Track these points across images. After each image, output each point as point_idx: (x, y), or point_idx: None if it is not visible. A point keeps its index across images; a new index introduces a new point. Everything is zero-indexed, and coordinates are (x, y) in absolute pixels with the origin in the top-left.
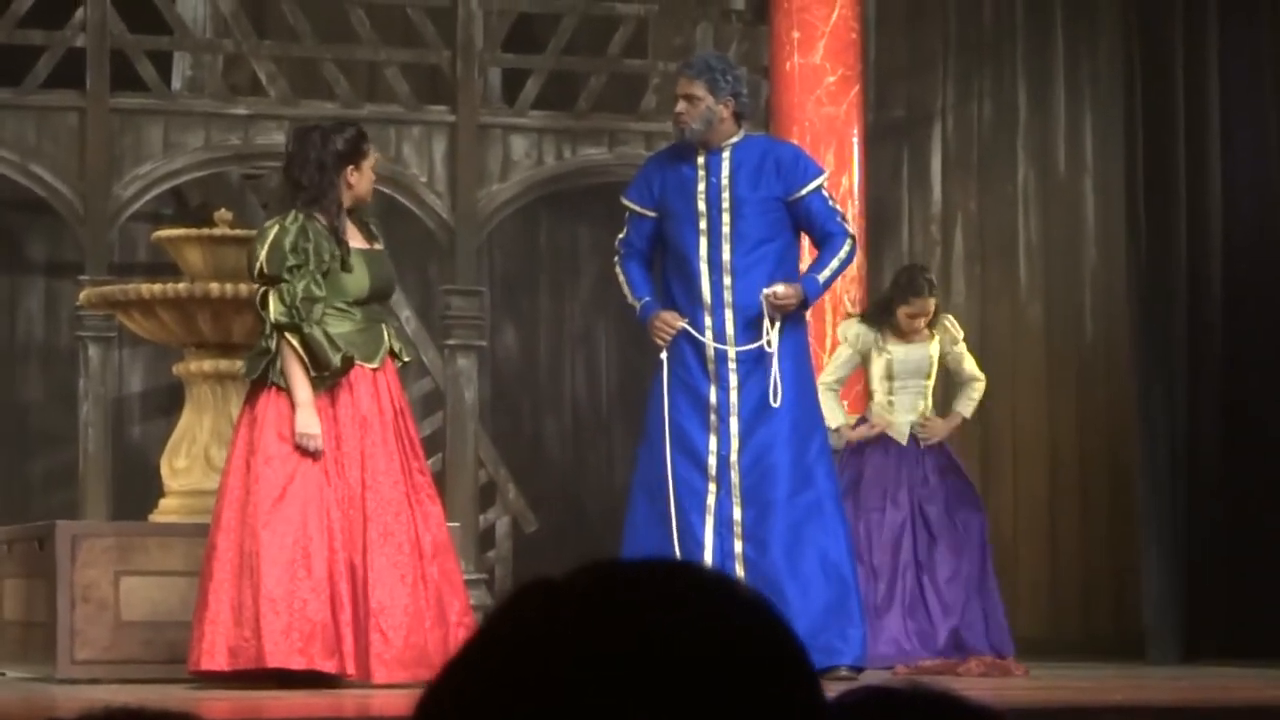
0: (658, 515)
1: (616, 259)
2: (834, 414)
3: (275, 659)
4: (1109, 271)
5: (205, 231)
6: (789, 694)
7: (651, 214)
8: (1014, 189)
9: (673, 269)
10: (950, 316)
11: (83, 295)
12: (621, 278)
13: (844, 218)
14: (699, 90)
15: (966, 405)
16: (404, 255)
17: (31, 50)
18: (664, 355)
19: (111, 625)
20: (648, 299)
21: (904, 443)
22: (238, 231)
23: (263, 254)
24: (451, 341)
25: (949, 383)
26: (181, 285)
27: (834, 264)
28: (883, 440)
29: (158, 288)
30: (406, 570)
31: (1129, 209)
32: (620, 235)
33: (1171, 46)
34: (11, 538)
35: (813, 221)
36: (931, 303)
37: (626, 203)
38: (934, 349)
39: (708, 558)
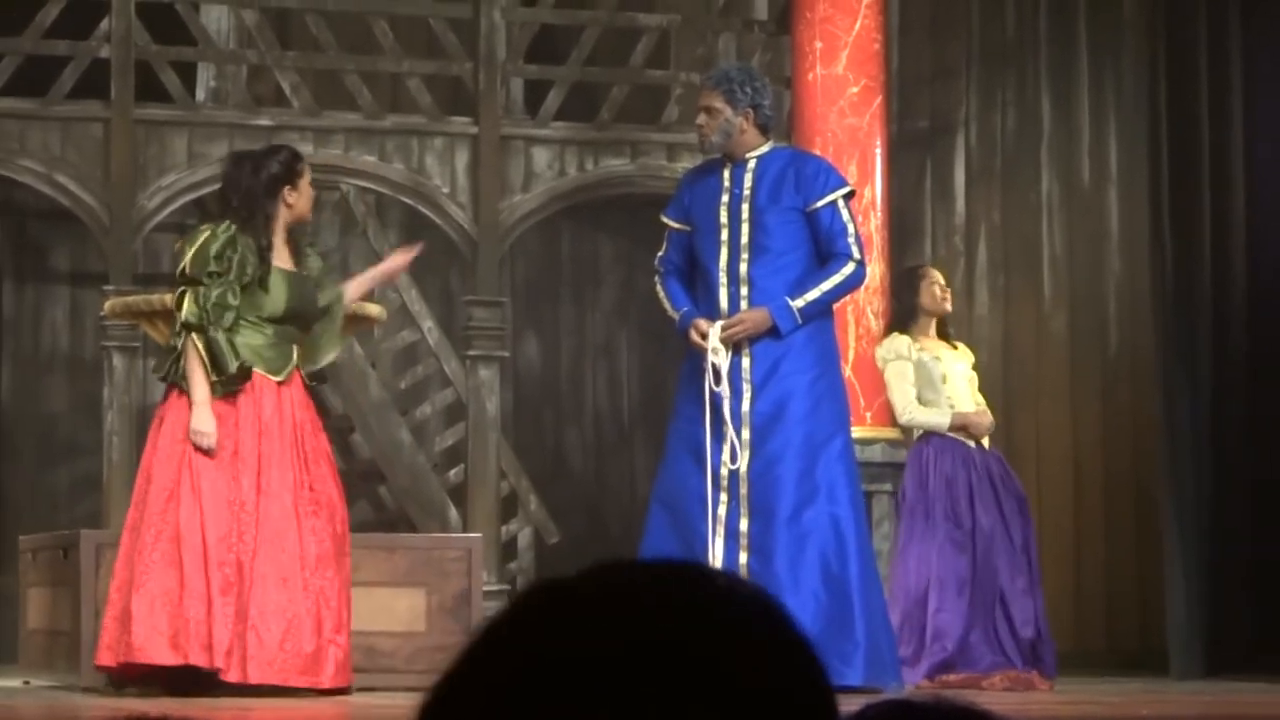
0: (673, 525)
1: (656, 277)
2: (939, 417)
3: (146, 654)
4: (1133, 281)
5: None
6: (802, 702)
7: (686, 228)
8: (1038, 199)
9: (699, 281)
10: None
11: (107, 305)
12: (661, 294)
13: (856, 239)
14: (717, 102)
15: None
16: (426, 266)
17: (57, 61)
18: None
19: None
20: (686, 309)
21: (972, 445)
22: None
23: (188, 256)
24: (473, 352)
25: None
26: None
27: (818, 291)
28: (958, 449)
29: None
30: (290, 575)
31: (1153, 218)
32: (660, 253)
33: (1195, 55)
34: (36, 546)
35: (821, 236)
36: (942, 274)
37: (663, 219)
38: (968, 361)
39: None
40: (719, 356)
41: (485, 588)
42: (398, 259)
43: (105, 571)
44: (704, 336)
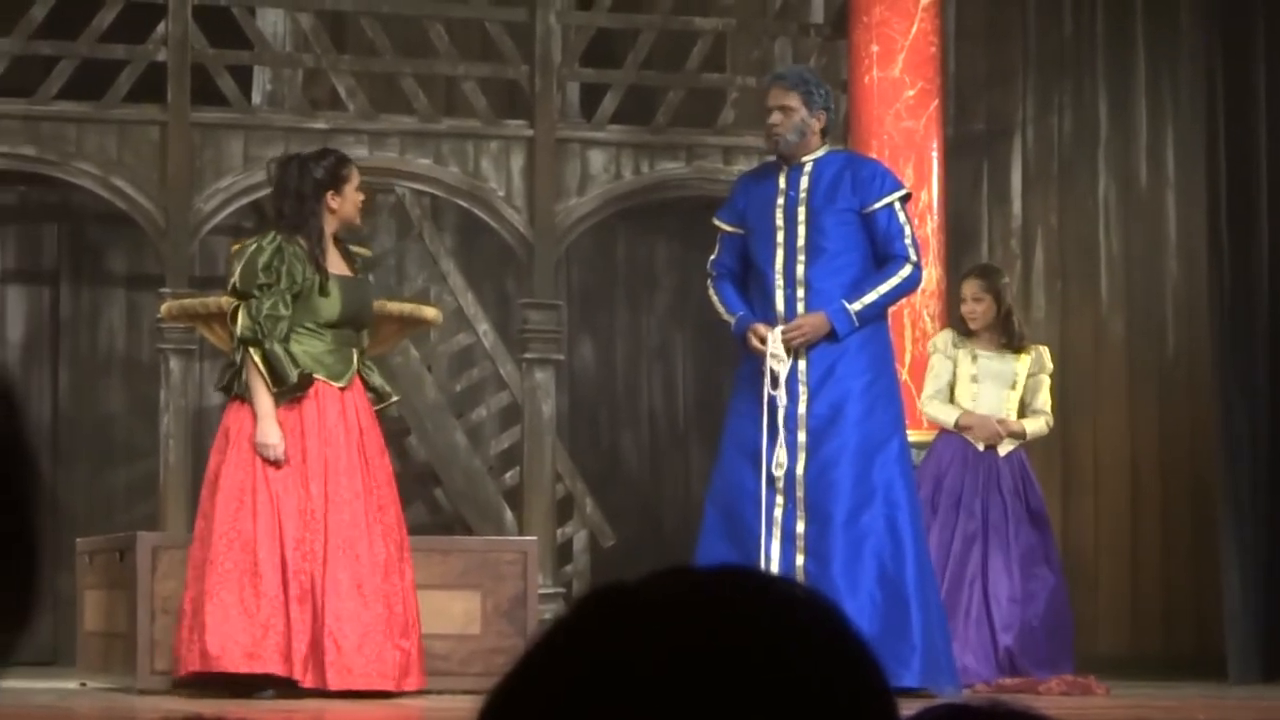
0: (728, 528)
1: (709, 280)
2: (947, 414)
3: (221, 663)
4: (1191, 285)
5: None
6: (861, 706)
7: (739, 231)
8: (1095, 202)
9: (753, 284)
10: (1045, 349)
11: (163, 308)
12: (715, 298)
13: (913, 241)
14: (794, 101)
15: (1030, 424)
16: (482, 269)
17: (113, 64)
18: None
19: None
20: (741, 313)
21: (980, 448)
22: None
23: (237, 271)
24: (529, 355)
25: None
26: None
27: (876, 294)
28: (961, 447)
29: None
30: (363, 582)
31: (1211, 221)
32: (712, 256)
33: (1253, 58)
34: (93, 549)
35: (878, 238)
36: (977, 285)
37: (716, 222)
38: (1021, 365)
39: (773, 571)
40: (779, 363)
41: (540, 590)
42: None
43: (162, 574)
44: (763, 341)
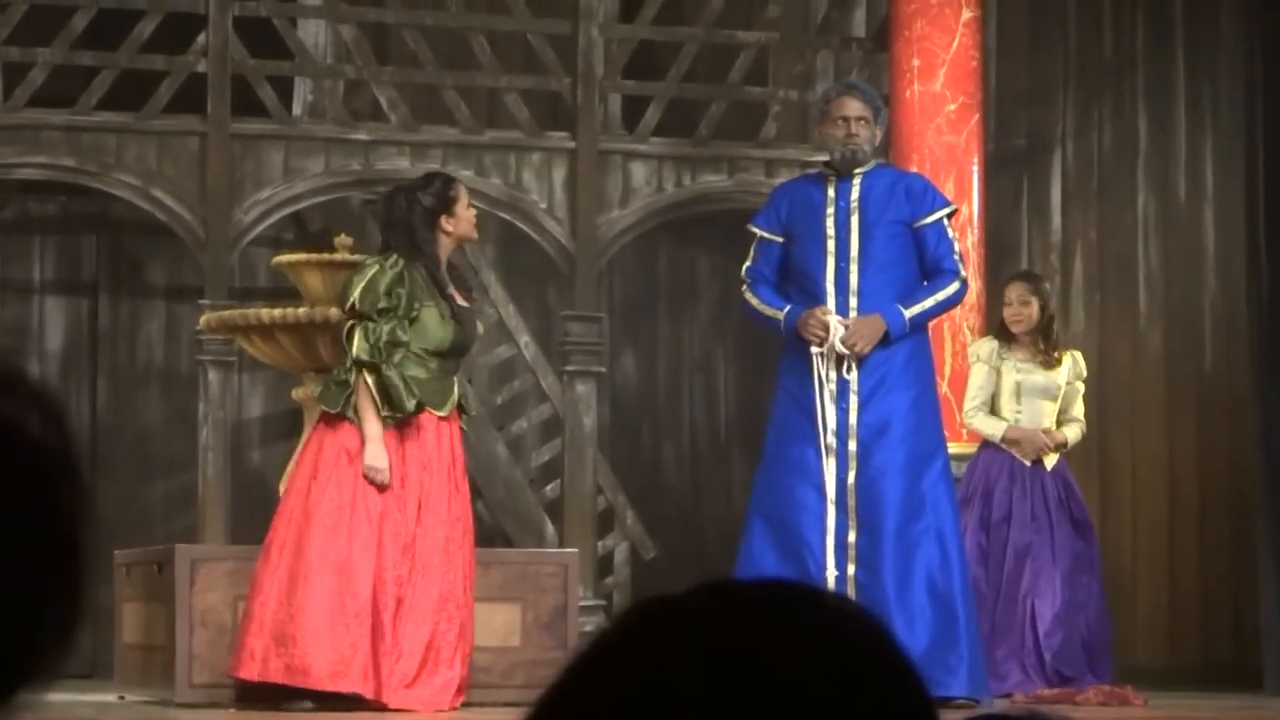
0: (775, 538)
1: (744, 287)
2: (994, 427)
3: (307, 679)
4: (1229, 299)
5: (325, 256)
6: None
7: (779, 239)
8: (1134, 217)
9: (797, 291)
10: (1079, 354)
11: (203, 319)
12: (755, 302)
13: (960, 258)
14: (870, 115)
15: (1070, 433)
16: (523, 281)
17: (153, 75)
18: (786, 378)
19: (230, 649)
20: (789, 307)
21: (1028, 464)
22: (358, 257)
23: (357, 291)
24: (570, 367)
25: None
26: (301, 310)
27: (929, 303)
28: (1008, 462)
29: (278, 312)
30: (436, 607)
31: (1249, 237)
32: (746, 264)
33: None
34: (131, 561)
35: (928, 252)
36: (1024, 288)
37: (754, 229)
38: (1062, 376)
39: (829, 580)
40: (838, 338)
41: (581, 603)
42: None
43: (200, 587)
44: (825, 329)
